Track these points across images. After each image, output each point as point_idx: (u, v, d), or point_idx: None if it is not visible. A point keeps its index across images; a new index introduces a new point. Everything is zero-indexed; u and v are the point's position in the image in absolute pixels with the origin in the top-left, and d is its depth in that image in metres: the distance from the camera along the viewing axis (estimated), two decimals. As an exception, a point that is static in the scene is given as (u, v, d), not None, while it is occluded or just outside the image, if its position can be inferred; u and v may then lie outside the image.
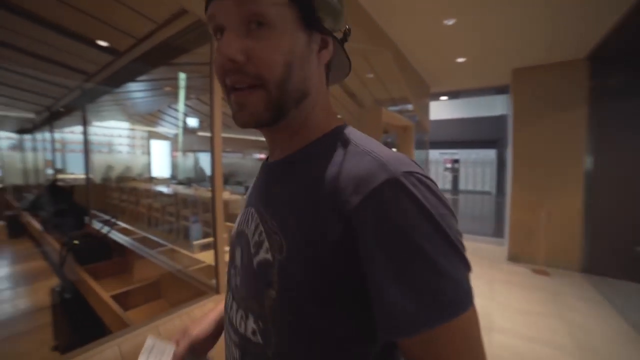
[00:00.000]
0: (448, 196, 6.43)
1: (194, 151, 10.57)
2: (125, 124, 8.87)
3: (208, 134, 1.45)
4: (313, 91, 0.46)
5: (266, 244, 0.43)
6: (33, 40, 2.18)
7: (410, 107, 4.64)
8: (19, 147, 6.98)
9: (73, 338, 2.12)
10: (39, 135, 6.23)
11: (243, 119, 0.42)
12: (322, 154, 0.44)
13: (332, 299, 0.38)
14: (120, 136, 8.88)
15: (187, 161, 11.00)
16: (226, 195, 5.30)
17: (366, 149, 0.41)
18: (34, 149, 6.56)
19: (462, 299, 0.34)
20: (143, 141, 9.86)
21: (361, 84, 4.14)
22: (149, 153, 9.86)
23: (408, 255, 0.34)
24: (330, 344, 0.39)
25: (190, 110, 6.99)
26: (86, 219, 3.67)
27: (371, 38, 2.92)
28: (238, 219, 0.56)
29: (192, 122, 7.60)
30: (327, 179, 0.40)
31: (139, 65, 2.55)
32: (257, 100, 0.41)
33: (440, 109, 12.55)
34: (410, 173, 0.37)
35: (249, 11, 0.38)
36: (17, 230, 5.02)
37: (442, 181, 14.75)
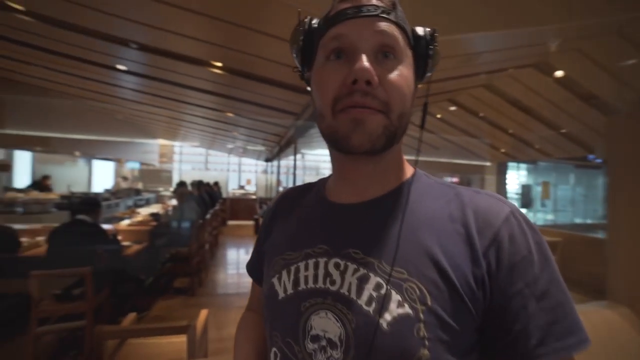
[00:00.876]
0: None
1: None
2: (327, 151, 10.77)
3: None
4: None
5: (396, 297, 0.38)
6: (260, 95, 2.99)
7: None
8: (265, 170, 10.20)
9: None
10: (275, 162, 8.57)
11: (360, 138, 0.39)
12: (430, 192, 0.45)
13: (474, 343, 0.38)
14: (324, 161, 10.80)
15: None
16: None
17: (469, 188, 0.45)
18: (271, 172, 9.21)
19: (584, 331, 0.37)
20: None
21: (606, 78, 2.83)
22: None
23: (546, 280, 0.38)
24: None
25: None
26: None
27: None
28: (289, 278, 0.45)
29: None
30: (455, 218, 0.41)
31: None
32: (378, 123, 0.39)
33: None
34: (515, 207, 0.42)
35: (384, 41, 0.39)
36: (259, 229, 7.19)
37: None
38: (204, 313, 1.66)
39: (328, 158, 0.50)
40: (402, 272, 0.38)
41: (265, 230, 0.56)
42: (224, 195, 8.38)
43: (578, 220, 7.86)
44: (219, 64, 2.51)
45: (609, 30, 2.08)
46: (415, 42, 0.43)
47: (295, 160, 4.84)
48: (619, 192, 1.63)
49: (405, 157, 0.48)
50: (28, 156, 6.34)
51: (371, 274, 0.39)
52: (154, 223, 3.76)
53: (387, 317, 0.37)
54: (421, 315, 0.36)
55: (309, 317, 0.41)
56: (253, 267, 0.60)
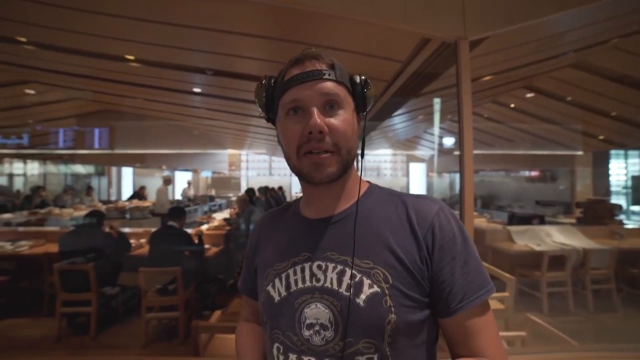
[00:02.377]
0: None
1: (450, 172, 10.45)
2: (388, 151, 10.47)
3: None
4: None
5: (367, 281, 0.51)
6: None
7: None
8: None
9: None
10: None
11: (320, 176, 0.53)
12: (382, 201, 0.59)
13: (426, 304, 0.53)
14: (385, 161, 10.57)
15: (442, 181, 11.13)
16: (482, 222, 4.65)
17: (408, 194, 0.61)
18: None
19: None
20: (403, 164, 11.21)
21: None
22: (407, 175, 11.02)
23: (466, 254, 0.53)
24: (430, 346, 0.54)
25: (444, 132, 7.03)
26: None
27: None
28: (281, 283, 0.56)
29: (448, 142, 7.63)
30: (401, 217, 0.56)
31: (396, 101, 2.98)
32: (332, 162, 0.53)
33: None
34: (442, 203, 0.58)
35: (328, 97, 0.52)
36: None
37: None
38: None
39: (389, 158, 0.66)
40: (369, 262, 0.52)
41: (253, 251, 0.68)
42: (288, 198, 8.80)
43: None
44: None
45: None
46: (353, 88, 0.56)
47: (362, 162, 4.84)
48: None
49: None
50: (130, 171, 7.65)
51: (346, 269, 0.52)
52: (228, 227, 4.15)
53: (362, 297, 0.50)
54: (386, 291, 0.50)
55: (303, 311, 0.53)
56: (245, 285, 0.70)
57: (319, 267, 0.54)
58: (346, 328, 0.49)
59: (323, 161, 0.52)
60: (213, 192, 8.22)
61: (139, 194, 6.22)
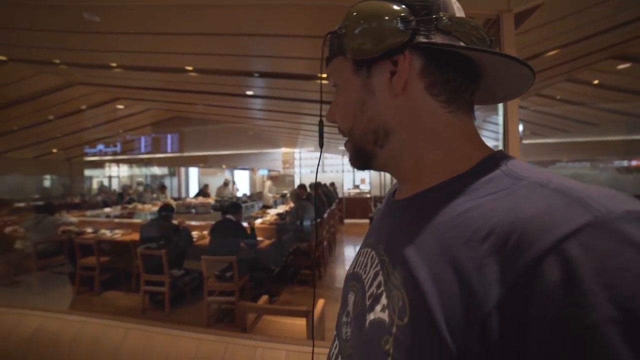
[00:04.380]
0: None
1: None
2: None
3: (534, 141, 1.28)
4: (400, 127, 0.41)
5: (384, 300, 0.35)
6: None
7: None
8: (376, 169, 10.29)
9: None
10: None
11: (350, 163, 0.46)
12: (482, 189, 0.33)
13: None
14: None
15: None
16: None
17: (543, 180, 0.30)
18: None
19: None
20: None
21: None
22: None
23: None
24: None
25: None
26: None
27: None
28: (355, 260, 0.49)
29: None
30: (473, 225, 0.30)
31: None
32: (349, 147, 0.45)
33: None
34: (632, 212, 0.23)
35: (330, 83, 0.46)
36: (373, 228, 7.30)
37: None
38: (321, 302, 1.84)
39: None
40: (397, 277, 0.34)
41: None
42: (339, 195, 8.88)
43: None
44: (325, 75, 2.74)
45: None
46: (337, 48, 0.42)
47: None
48: None
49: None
50: (196, 171, 8.58)
51: (380, 272, 0.39)
52: (280, 221, 4.37)
53: (372, 316, 0.36)
54: (394, 329, 0.31)
55: (348, 294, 0.46)
56: None
57: (372, 257, 0.44)
58: (352, 341, 0.40)
59: (345, 147, 0.47)
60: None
61: (203, 191, 6.94)
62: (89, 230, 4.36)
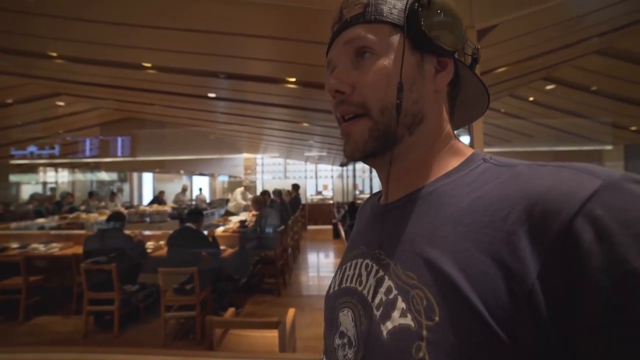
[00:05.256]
0: None
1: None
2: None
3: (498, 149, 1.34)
4: (430, 118, 0.41)
5: (401, 304, 0.32)
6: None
7: None
8: (341, 175, 10.42)
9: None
10: (350, 166, 8.66)
11: (349, 150, 0.41)
12: (479, 178, 0.35)
13: None
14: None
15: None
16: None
17: (535, 163, 0.32)
18: (347, 176, 9.33)
19: None
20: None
21: None
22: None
23: None
24: None
25: (462, 130, 6.89)
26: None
27: None
28: (339, 276, 0.47)
29: (464, 140, 7.47)
30: (499, 207, 0.30)
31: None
32: (361, 129, 0.39)
33: None
34: (629, 177, 0.27)
35: (352, 45, 0.40)
36: (337, 234, 7.35)
37: None
38: (291, 312, 1.78)
39: None
40: (413, 277, 0.33)
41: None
42: (302, 201, 8.85)
43: None
44: (292, 79, 2.70)
45: None
46: (408, 19, 0.38)
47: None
48: None
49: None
50: (150, 176, 7.98)
51: (386, 277, 0.36)
52: (243, 229, 4.21)
53: (389, 325, 0.33)
54: (424, 332, 0.29)
55: (338, 314, 0.42)
56: None
57: (366, 266, 0.41)
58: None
59: (349, 129, 0.40)
60: (229, 196, 8.41)
61: (158, 198, 6.46)
62: (15, 245, 3.78)
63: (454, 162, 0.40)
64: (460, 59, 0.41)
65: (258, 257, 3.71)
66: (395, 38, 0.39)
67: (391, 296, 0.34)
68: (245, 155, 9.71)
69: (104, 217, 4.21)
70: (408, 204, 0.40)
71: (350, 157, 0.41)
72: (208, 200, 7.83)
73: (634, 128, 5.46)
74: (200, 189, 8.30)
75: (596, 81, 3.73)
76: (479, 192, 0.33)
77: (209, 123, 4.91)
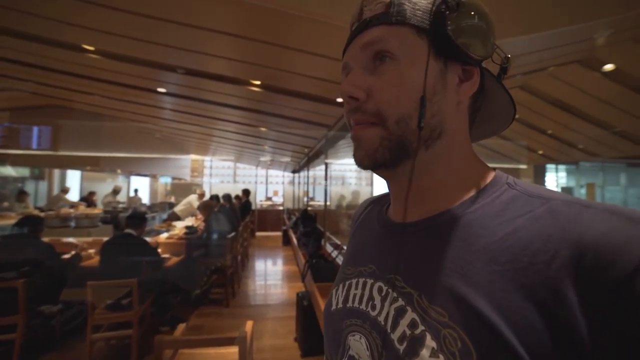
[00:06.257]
0: None
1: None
2: (353, 160, 10.76)
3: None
4: (450, 132, 0.37)
5: (431, 342, 0.30)
6: (294, 109, 3.08)
7: None
8: (292, 182, 10.39)
9: (306, 339, 2.58)
10: (302, 173, 8.67)
11: (359, 157, 0.38)
12: (512, 208, 0.33)
13: None
14: (350, 170, 10.80)
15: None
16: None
17: (584, 204, 0.30)
18: (298, 183, 9.33)
19: None
20: (367, 173, 11.54)
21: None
22: (371, 184, 11.36)
23: None
24: None
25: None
26: (322, 241, 4.54)
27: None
28: (342, 292, 0.44)
29: None
30: (543, 246, 0.28)
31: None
32: (373, 135, 0.36)
33: None
34: None
35: (369, 48, 0.37)
36: (287, 240, 7.25)
37: None
38: (249, 324, 1.69)
39: (354, 167, 0.51)
40: (444, 314, 0.31)
41: (349, 240, 0.54)
42: (252, 206, 8.57)
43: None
44: (253, 81, 2.62)
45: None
46: (433, 23, 0.35)
47: (326, 170, 4.90)
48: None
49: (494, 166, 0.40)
50: (77, 175, 6.93)
51: (409, 308, 0.34)
52: (191, 235, 3.91)
53: None
54: None
55: (347, 337, 0.40)
56: None
57: (380, 290, 0.38)
58: None
59: (360, 134, 0.37)
60: (173, 199, 7.75)
61: (87, 200, 5.64)
62: None
63: (476, 183, 0.38)
64: (487, 68, 0.38)
65: (213, 266, 3.46)
66: (418, 42, 0.35)
67: (417, 331, 0.32)
68: (193, 156, 9.09)
69: (8, 222, 3.52)
70: (430, 229, 0.37)
71: (359, 164, 0.38)
72: (148, 204, 7.10)
73: (541, 152, 6.50)
74: (136, 190, 7.47)
75: (518, 111, 4.35)
76: (512, 226, 0.31)
77: (156, 120, 4.49)
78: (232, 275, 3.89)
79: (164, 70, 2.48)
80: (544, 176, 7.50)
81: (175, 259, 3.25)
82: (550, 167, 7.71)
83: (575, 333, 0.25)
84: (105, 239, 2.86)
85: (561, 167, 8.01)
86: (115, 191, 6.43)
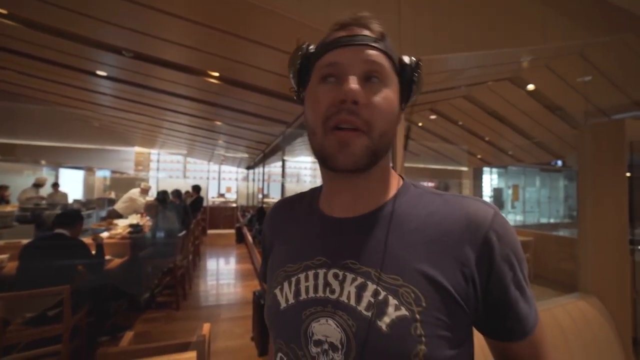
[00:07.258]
0: None
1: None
2: (309, 158, 10.79)
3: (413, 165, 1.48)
4: (390, 149, 0.49)
5: (393, 301, 0.41)
6: (252, 104, 2.99)
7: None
8: (246, 178, 10.05)
9: (263, 338, 2.53)
10: (257, 170, 8.46)
11: (345, 159, 0.43)
12: (421, 202, 0.49)
13: (465, 336, 0.44)
14: (305, 168, 10.82)
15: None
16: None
17: (456, 194, 0.49)
18: (253, 180, 9.08)
19: None
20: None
21: (570, 92, 3.12)
22: (326, 182, 11.51)
23: (523, 273, 0.45)
24: None
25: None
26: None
27: (591, 27, 2.13)
28: (290, 289, 0.48)
29: None
30: (445, 224, 0.45)
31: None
32: (361, 144, 0.43)
33: None
34: (496, 207, 0.47)
35: (372, 67, 0.44)
36: (240, 238, 7.03)
37: None
38: (206, 327, 1.61)
39: (309, 165, 0.58)
40: (397, 278, 0.42)
41: (269, 243, 0.59)
42: (204, 203, 8.13)
43: (544, 220, 8.42)
44: (211, 72, 2.48)
45: (573, 52, 2.34)
46: (402, 69, 0.48)
47: (283, 167, 4.84)
48: (587, 196, 1.80)
49: (406, 165, 0.57)
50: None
51: (368, 282, 0.43)
52: (135, 235, 3.58)
53: (386, 320, 0.41)
54: (417, 316, 0.40)
55: (310, 325, 0.45)
56: (264, 277, 0.61)
57: (335, 276, 0.45)
58: (362, 356, 0.41)
59: (350, 139, 0.42)
60: (113, 195, 6.96)
61: None
62: None
63: (395, 186, 0.51)
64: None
65: (165, 267, 3.21)
66: (394, 78, 0.47)
67: (381, 297, 0.42)
68: (138, 149, 8.28)
69: None
70: (375, 219, 0.48)
71: (342, 165, 0.44)
72: (83, 200, 6.27)
73: (479, 156, 7.23)
74: (55, 185, 6.30)
75: (462, 118, 4.79)
76: (427, 211, 0.47)
77: (94, 106, 3.99)
78: (182, 276, 3.65)
79: (107, 51, 2.21)
80: (481, 178, 8.36)
81: (117, 261, 2.94)
82: (486, 169, 8.64)
83: (470, 269, 0.42)
84: (25, 241, 2.46)
85: (494, 170, 9.06)
86: (37, 185, 5.52)
